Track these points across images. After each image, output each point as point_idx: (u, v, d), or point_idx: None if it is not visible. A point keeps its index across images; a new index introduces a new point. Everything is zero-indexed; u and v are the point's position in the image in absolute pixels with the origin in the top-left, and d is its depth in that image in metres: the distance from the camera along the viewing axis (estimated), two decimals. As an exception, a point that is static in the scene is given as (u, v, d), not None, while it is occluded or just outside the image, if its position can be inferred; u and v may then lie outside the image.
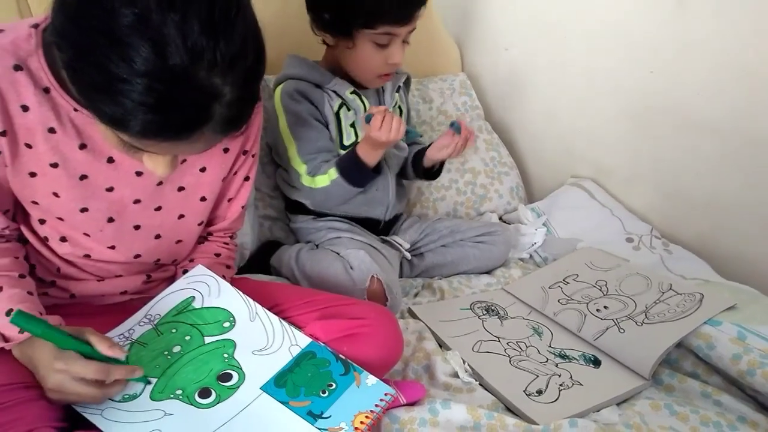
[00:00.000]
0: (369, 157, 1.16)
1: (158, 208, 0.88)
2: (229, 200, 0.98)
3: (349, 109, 1.25)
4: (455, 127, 1.24)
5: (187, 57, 0.57)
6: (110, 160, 0.80)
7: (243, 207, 1.00)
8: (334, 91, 1.23)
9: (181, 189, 0.88)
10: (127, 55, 0.56)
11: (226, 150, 0.90)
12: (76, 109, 0.75)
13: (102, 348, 0.72)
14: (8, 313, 0.73)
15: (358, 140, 1.24)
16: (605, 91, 1.51)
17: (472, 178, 1.59)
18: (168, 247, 0.93)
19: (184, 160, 0.86)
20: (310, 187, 1.21)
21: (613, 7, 1.44)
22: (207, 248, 1.00)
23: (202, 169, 0.89)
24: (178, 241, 0.94)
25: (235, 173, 0.95)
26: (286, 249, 1.28)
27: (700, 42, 1.30)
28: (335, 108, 1.23)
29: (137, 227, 0.87)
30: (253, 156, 0.96)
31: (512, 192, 1.62)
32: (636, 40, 1.41)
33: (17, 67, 0.71)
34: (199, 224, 0.95)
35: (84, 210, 0.82)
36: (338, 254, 1.19)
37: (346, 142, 1.25)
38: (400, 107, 1.36)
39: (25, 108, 0.73)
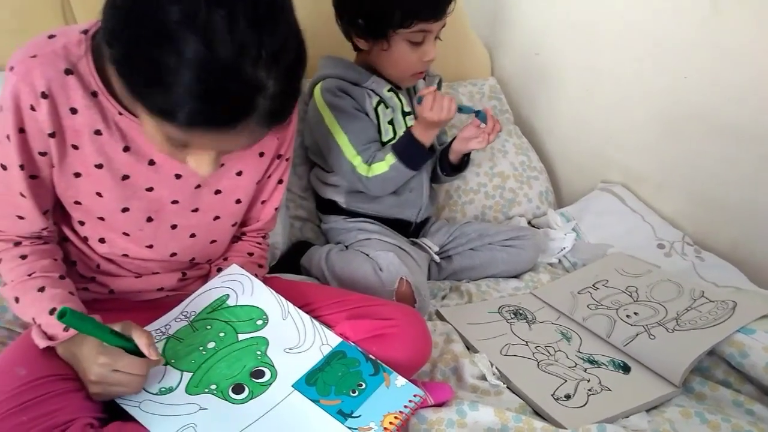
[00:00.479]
0: (424, 137, 1.19)
1: (195, 210, 0.90)
2: (263, 202, 1.00)
3: (387, 107, 1.27)
4: (481, 116, 1.23)
5: (234, 50, 0.60)
6: (151, 162, 0.83)
7: (276, 209, 1.02)
8: (372, 89, 1.26)
9: (218, 192, 0.91)
10: (176, 47, 0.58)
11: (261, 154, 0.92)
12: (121, 113, 0.78)
13: (141, 344, 0.75)
14: (51, 312, 0.76)
15: (395, 136, 1.27)
16: (637, 97, 1.51)
17: (501, 182, 1.59)
18: (203, 247, 0.96)
19: (223, 164, 0.88)
20: (366, 176, 1.22)
21: (645, 12, 1.43)
22: (241, 247, 1.02)
23: (239, 173, 0.91)
24: (213, 241, 0.96)
25: (269, 176, 0.98)
26: (317, 249, 1.30)
27: (736, 48, 1.28)
28: (374, 105, 1.26)
29: (174, 227, 0.90)
30: (287, 160, 0.98)
31: (541, 196, 1.62)
32: (669, 46, 1.40)
33: (68, 71, 0.74)
34: (233, 225, 0.98)
35: (125, 210, 0.85)
36: (368, 255, 1.20)
37: (385, 139, 1.27)
38: None
39: (73, 111, 0.76)
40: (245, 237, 1.04)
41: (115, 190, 0.83)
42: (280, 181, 0.99)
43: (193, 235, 0.93)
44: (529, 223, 1.57)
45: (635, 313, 1.15)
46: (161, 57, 0.59)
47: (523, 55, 1.77)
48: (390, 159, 1.20)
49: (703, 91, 1.37)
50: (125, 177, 0.82)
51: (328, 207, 1.33)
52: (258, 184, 0.96)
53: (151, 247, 0.90)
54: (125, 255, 0.90)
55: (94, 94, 0.76)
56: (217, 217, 0.93)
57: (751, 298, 1.15)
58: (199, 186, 0.88)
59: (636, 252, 1.37)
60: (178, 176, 0.85)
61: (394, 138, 1.28)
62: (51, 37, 0.75)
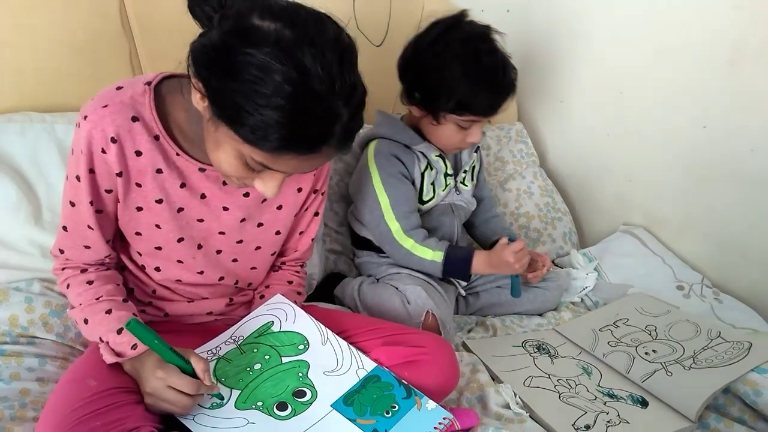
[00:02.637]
0: (479, 268, 1.27)
1: (239, 241, 1.00)
2: (301, 233, 1.09)
3: (432, 169, 1.33)
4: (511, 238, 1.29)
5: (324, 83, 0.70)
6: (203, 196, 0.93)
7: (312, 239, 1.11)
8: (422, 152, 1.31)
9: (260, 225, 1.00)
10: (274, 78, 0.68)
11: (299, 189, 1.02)
12: (178, 154, 0.88)
13: (198, 368, 0.83)
14: (118, 332, 0.85)
15: (434, 196, 1.35)
16: (658, 143, 1.58)
17: (526, 222, 1.67)
18: (244, 271, 1.05)
19: (264, 200, 0.98)
20: (401, 244, 1.28)
21: (666, 64, 1.51)
22: (281, 276, 1.11)
23: (279, 207, 1.01)
24: (253, 268, 1.05)
25: (306, 209, 1.07)
26: (350, 281, 1.38)
27: (753, 100, 1.35)
28: (422, 169, 1.31)
29: (219, 252, 0.99)
30: (322, 194, 1.07)
31: (565, 237, 1.68)
32: (689, 96, 1.48)
33: (134, 119, 0.85)
34: (272, 254, 1.07)
35: (180, 240, 0.94)
36: (397, 289, 1.27)
37: (425, 198, 1.34)
38: (474, 166, 1.44)
39: (138, 153, 0.86)
40: (285, 266, 1.13)
41: (171, 221, 0.92)
42: (316, 214, 1.08)
43: (235, 260, 1.02)
44: (552, 262, 1.63)
45: (654, 351, 1.21)
46: (259, 86, 0.69)
47: (549, 101, 1.86)
48: (436, 256, 1.26)
49: (722, 140, 1.44)
50: (180, 209, 0.92)
51: (363, 243, 1.40)
52: (296, 217, 1.05)
53: (202, 273, 1.00)
54: (178, 281, 0.99)
55: (156, 138, 0.87)
56: (258, 247, 1.03)
57: (766, 339, 1.20)
58: (243, 220, 0.98)
59: (656, 293, 1.42)
60: (225, 209, 0.95)
61: (433, 197, 1.35)
62: (119, 88, 0.86)
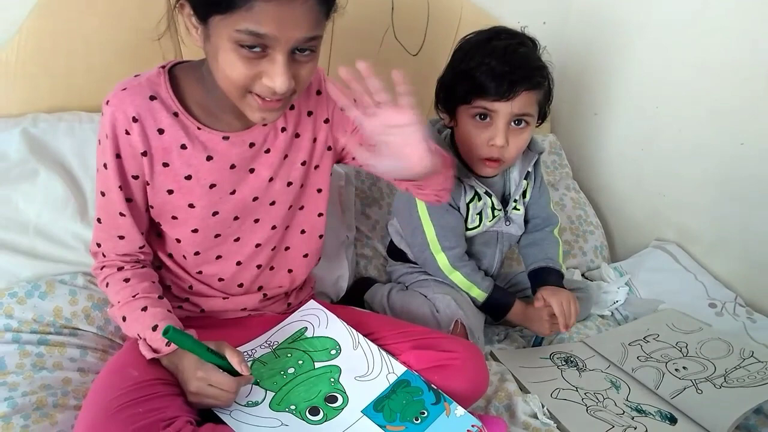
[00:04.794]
0: (515, 319, 1.29)
1: (272, 203, 1.01)
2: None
3: (479, 200, 1.28)
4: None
5: None
6: (232, 166, 0.95)
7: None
8: (471, 186, 1.27)
9: (289, 184, 1.01)
10: None
11: (314, 140, 1.02)
12: (199, 128, 0.92)
13: (234, 362, 0.86)
14: (153, 329, 0.88)
15: (480, 225, 1.30)
16: (693, 159, 1.57)
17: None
18: (282, 237, 1.05)
19: (286, 156, 0.99)
20: (446, 275, 1.28)
21: (705, 79, 1.50)
22: None
23: (303, 163, 1.01)
24: (303, 232, 1.06)
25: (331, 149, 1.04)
26: (379, 287, 1.39)
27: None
28: (468, 200, 1.27)
29: (257, 220, 1.01)
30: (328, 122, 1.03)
31: (596, 251, 1.68)
32: (726, 113, 1.47)
33: (152, 98, 0.89)
34: (319, 215, 1.07)
35: (215, 213, 0.97)
36: (426, 297, 1.27)
37: (470, 226, 1.30)
38: (525, 191, 1.35)
39: (161, 131, 0.90)
40: None
41: (204, 197, 0.95)
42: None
43: (274, 227, 1.03)
44: (583, 275, 1.63)
45: (684, 368, 1.20)
46: None
47: (583, 114, 1.86)
48: (480, 296, 1.28)
49: (760, 158, 1.42)
50: (212, 185, 0.95)
51: (397, 254, 1.40)
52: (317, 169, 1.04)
53: (238, 240, 1.01)
54: (219, 257, 1.01)
55: (176, 114, 0.90)
56: (302, 207, 1.04)
57: (801, 360, 1.18)
58: (271, 179, 0.99)
59: (687, 309, 1.41)
60: (251, 170, 0.97)
61: (479, 226, 1.30)
62: (136, 75, 0.91)
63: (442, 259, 1.27)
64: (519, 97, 1.13)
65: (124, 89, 0.89)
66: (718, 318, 1.39)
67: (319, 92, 1.01)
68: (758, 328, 1.35)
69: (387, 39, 1.61)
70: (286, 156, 1.00)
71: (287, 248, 1.07)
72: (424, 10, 1.62)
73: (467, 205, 1.28)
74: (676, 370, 1.20)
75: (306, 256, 1.10)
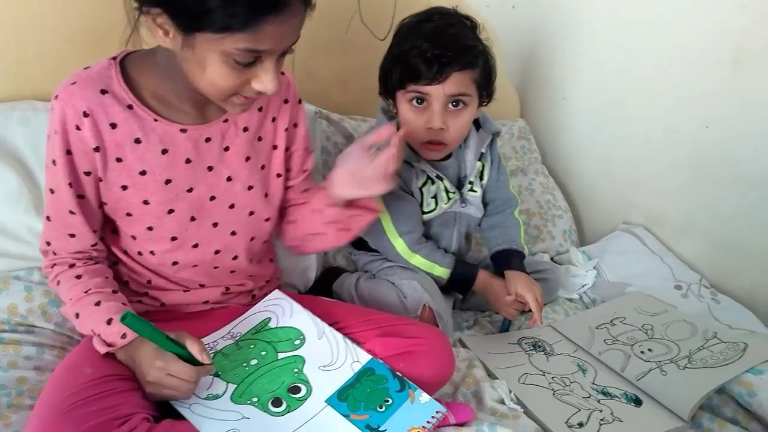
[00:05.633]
0: (479, 288, 1.28)
1: (232, 206, 0.99)
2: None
3: (432, 183, 1.28)
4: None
5: None
6: (188, 161, 0.93)
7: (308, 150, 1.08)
8: (422, 170, 1.27)
9: (250, 188, 1.00)
10: None
11: (275, 147, 1.02)
12: (156, 120, 0.89)
13: (194, 350, 0.84)
14: (108, 322, 0.86)
15: (436, 208, 1.30)
16: (660, 143, 1.58)
17: (526, 219, 1.66)
18: (241, 243, 1.02)
19: (248, 158, 0.98)
20: (407, 260, 1.27)
21: (670, 64, 1.51)
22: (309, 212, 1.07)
23: (262, 167, 1.01)
24: (252, 239, 1.04)
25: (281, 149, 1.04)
26: (347, 276, 1.38)
27: (757, 101, 1.35)
28: (420, 184, 1.28)
29: (215, 224, 0.99)
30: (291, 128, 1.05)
31: (565, 234, 1.69)
32: (693, 96, 1.48)
33: (103, 91, 0.86)
34: (266, 220, 1.04)
35: (171, 211, 0.94)
36: (393, 284, 1.26)
37: (426, 210, 1.29)
38: (482, 172, 1.36)
39: (113, 125, 0.87)
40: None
41: (159, 193, 0.92)
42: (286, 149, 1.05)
43: (233, 233, 1.01)
44: (552, 259, 1.63)
45: (649, 350, 1.21)
46: None
47: (552, 99, 1.86)
48: (443, 272, 1.27)
49: (725, 141, 1.43)
50: (168, 181, 0.92)
51: (359, 244, 1.39)
52: (279, 178, 1.04)
53: (197, 246, 0.98)
54: (175, 263, 0.99)
55: (130, 107, 0.88)
56: (251, 212, 1.02)
57: (763, 340, 1.20)
58: (230, 179, 0.97)
59: (654, 292, 1.42)
60: (210, 168, 0.95)
61: (435, 209, 1.30)
62: (86, 68, 0.88)
63: (400, 245, 1.27)
64: (451, 78, 1.13)
65: (74, 83, 0.86)
66: (683, 300, 1.41)
67: (286, 101, 1.02)
68: (722, 308, 1.36)
69: (354, 23, 1.59)
70: (248, 158, 0.98)
71: (250, 260, 1.06)
72: (392, -7, 1.60)
73: (420, 189, 1.28)
74: (642, 352, 1.21)
75: (252, 260, 1.08)
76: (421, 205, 1.30)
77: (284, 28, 0.78)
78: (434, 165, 1.28)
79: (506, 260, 1.31)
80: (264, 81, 0.82)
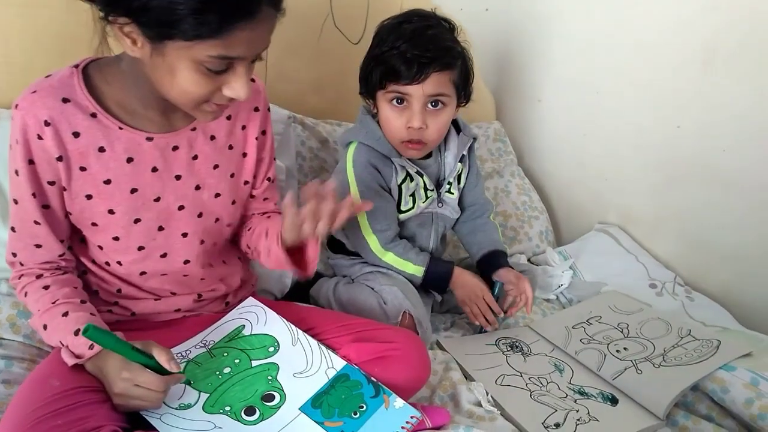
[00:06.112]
0: (455, 287, 1.28)
1: (200, 215, 0.98)
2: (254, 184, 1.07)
3: (411, 180, 1.28)
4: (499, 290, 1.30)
5: None
6: (154, 169, 0.92)
7: (270, 179, 1.08)
8: (402, 166, 1.27)
9: (218, 195, 0.99)
10: None
11: (244, 155, 1.02)
12: (121, 128, 0.88)
13: (161, 360, 0.82)
14: (76, 333, 0.84)
15: (414, 207, 1.30)
16: (634, 144, 1.59)
17: (503, 221, 1.67)
18: (207, 251, 1.02)
19: (216, 166, 0.97)
20: (379, 258, 1.27)
21: (642, 66, 1.53)
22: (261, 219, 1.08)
23: (232, 175, 1.01)
24: (214, 243, 1.03)
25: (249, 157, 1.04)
26: (325, 281, 1.37)
27: (725, 101, 1.37)
28: (399, 180, 1.27)
29: (185, 234, 0.97)
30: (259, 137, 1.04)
31: (541, 235, 1.69)
32: (663, 96, 1.50)
33: (65, 100, 0.85)
34: (228, 225, 1.04)
35: (137, 221, 0.93)
36: (373, 289, 1.26)
37: (403, 208, 1.30)
38: (459, 175, 1.37)
39: (76, 134, 0.85)
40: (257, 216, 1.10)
41: (125, 203, 0.91)
42: (260, 159, 1.05)
43: (202, 241, 1.00)
44: (529, 260, 1.64)
45: (625, 349, 1.22)
46: None
47: (527, 101, 1.87)
48: (417, 270, 1.27)
49: (695, 140, 1.45)
50: (133, 190, 0.91)
51: (336, 246, 1.39)
52: (247, 185, 1.05)
53: (165, 255, 0.97)
54: (143, 273, 0.97)
55: (94, 115, 0.86)
56: (217, 219, 1.01)
57: (735, 337, 1.22)
58: (198, 187, 0.96)
59: (629, 291, 1.44)
60: (178, 177, 0.94)
61: (412, 208, 1.30)
62: (47, 76, 0.87)
63: (373, 242, 1.27)
64: (430, 78, 1.15)
65: (34, 92, 0.84)
66: (658, 298, 1.42)
67: (257, 109, 1.02)
68: (696, 306, 1.38)
69: (327, 28, 1.58)
70: (216, 166, 0.97)
71: (223, 262, 1.05)
72: (364, -3, 1.60)
73: (399, 186, 1.28)
74: (617, 351, 1.21)
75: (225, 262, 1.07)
76: (399, 203, 1.30)
77: (255, 33, 0.78)
78: (414, 162, 1.29)
79: (495, 261, 1.34)
80: (235, 87, 0.82)
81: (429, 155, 1.32)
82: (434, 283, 1.30)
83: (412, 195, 1.30)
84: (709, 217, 1.45)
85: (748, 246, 1.39)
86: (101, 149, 0.87)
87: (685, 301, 1.40)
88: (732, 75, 1.35)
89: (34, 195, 0.87)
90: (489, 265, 1.34)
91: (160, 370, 0.83)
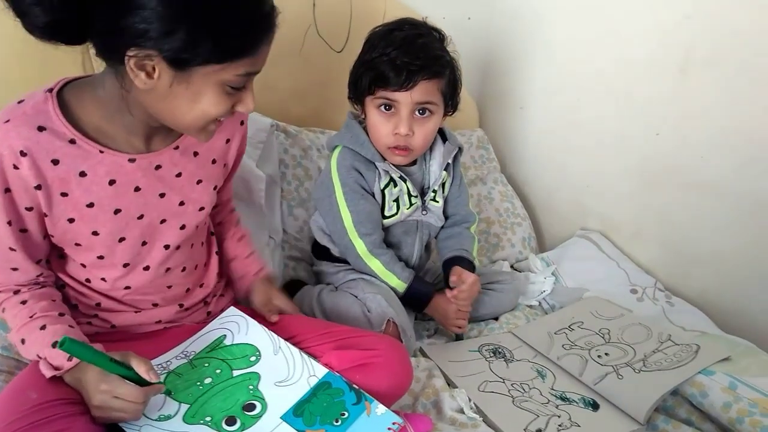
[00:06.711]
0: (430, 310, 1.31)
1: (182, 227, 0.98)
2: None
3: (395, 186, 1.29)
4: None
5: None
6: (137, 189, 0.91)
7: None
8: (385, 170, 1.27)
9: (201, 209, 1.00)
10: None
11: (223, 165, 1.04)
12: (102, 151, 0.86)
13: (140, 370, 0.82)
14: (53, 345, 0.83)
15: (398, 213, 1.31)
16: (614, 151, 1.61)
17: (486, 227, 1.68)
18: (184, 255, 1.01)
19: (200, 181, 0.98)
20: (366, 263, 1.28)
21: (622, 72, 1.54)
22: (231, 240, 1.15)
23: (215, 187, 1.02)
24: (192, 245, 1.03)
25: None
26: (309, 289, 1.37)
27: (703, 109, 1.39)
28: (382, 185, 1.28)
29: (167, 246, 0.97)
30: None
31: (524, 242, 1.71)
32: (643, 104, 1.51)
33: (41, 128, 0.82)
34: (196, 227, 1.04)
35: (122, 239, 0.92)
36: (356, 297, 1.26)
37: (387, 214, 1.31)
38: (443, 184, 1.38)
39: (55, 161, 0.83)
40: (226, 225, 1.16)
41: (109, 224, 0.90)
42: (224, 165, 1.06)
43: (178, 247, 0.99)
44: (512, 267, 1.65)
45: (606, 354, 1.23)
46: (221, 12, 0.74)
47: (509, 108, 1.89)
48: (399, 286, 1.28)
49: (674, 147, 1.47)
50: (117, 211, 0.90)
51: (322, 252, 1.39)
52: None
53: (147, 268, 0.97)
54: (128, 288, 0.97)
55: (72, 141, 0.84)
56: (197, 226, 1.01)
57: (714, 341, 1.23)
58: (183, 203, 0.96)
59: (610, 296, 1.45)
60: (162, 195, 0.94)
61: (396, 214, 1.31)
62: (20, 102, 0.83)
63: (360, 246, 1.28)
64: (419, 86, 1.17)
65: (8, 121, 0.81)
66: (639, 303, 1.43)
67: (242, 122, 1.04)
68: (676, 311, 1.39)
69: (310, 36, 1.59)
70: (200, 181, 0.98)
71: (195, 266, 1.05)
72: (347, 6, 1.61)
73: (382, 191, 1.29)
74: (599, 356, 1.22)
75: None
76: (383, 208, 1.31)
77: (270, 45, 0.81)
78: (398, 167, 1.30)
79: (456, 262, 1.34)
80: (247, 102, 0.85)
81: (414, 162, 1.33)
82: (413, 301, 1.31)
83: (396, 201, 1.31)
84: (688, 222, 1.47)
85: (726, 251, 1.41)
86: (82, 174, 0.86)
87: (665, 306, 1.41)
88: (709, 83, 1.37)
89: (9, 223, 0.85)
90: (450, 265, 1.35)
91: (139, 381, 0.82)
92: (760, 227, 1.34)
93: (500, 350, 1.28)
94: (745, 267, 1.39)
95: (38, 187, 0.84)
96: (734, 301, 1.41)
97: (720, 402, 1.05)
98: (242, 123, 1.04)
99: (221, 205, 1.15)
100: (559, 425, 1.05)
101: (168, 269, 0.99)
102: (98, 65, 1.27)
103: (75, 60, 1.25)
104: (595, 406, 1.11)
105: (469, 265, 1.34)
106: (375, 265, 1.29)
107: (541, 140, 1.82)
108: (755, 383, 1.06)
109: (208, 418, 0.86)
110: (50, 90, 0.85)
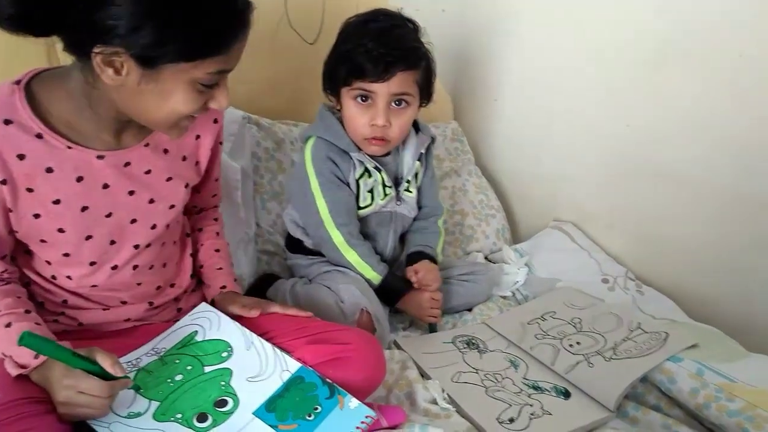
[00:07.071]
0: (403, 304, 1.32)
1: (153, 227, 0.97)
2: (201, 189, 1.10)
3: (369, 176, 1.30)
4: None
5: None
6: (105, 186, 0.90)
7: (217, 179, 1.12)
8: (360, 161, 1.28)
9: (172, 207, 0.99)
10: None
11: (197, 163, 1.03)
12: (70, 147, 0.85)
13: (105, 365, 0.80)
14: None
15: (372, 203, 1.32)
16: (586, 142, 1.62)
17: (460, 219, 1.69)
18: (153, 252, 1.00)
19: (170, 178, 0.97)
20: (341, 253, 1.28)
21: (594, 64, 1.56)
22: (206, 250, 1.12)
23: (186, 185, 1.01)
24: (163, 244, 1.02)
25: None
26: (283, 282, 1.37)
27: (673, 101, 1.41)
28: (357, 175, 1.29)
29: (137, 246, 0.96)
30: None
31: (498, 233, 1.72)
32: (614, 96, 1.53)
33: (7, 122, 0.81)
34: (166, 227, 1.03)
35: (89, 237, 0.91)
36: (330, 288, 1.27)
37: (362, 204, 1.31)
38: (417, 174, 1.39)
39: (21, 156, 0.82)
40: (205, 234, 1.14)
41: (76, 222, 0.88)
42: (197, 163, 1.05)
43: (148, 245, 0.98)
44: (486, 258, 1.66)
45: (578, 343, 1.24)
46: (190, 9, 0.73)
47: (483, 100, 1.89)
48: (374, 278, 1.29)
49: (644, 138, 1.49)
50: (84, 208, 0.89)
51: (295, 246, 1.39)
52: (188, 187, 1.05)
53: (116, 267, 0.95)
54: (94, 286, 0.95)
55: (39, 136, 0.83)
56: (168, 225, 1.00)
57: (683, 329, 1.25)
58: (152, 201, 0.95)
59: (582, 286, 1.47)
60: (131, 192, 0.92)
61: (371, 204, 1.32)
62: None
63: (337, 237, 1.28)
64: (396, 77, 1.18)
65: None
66: (610, 293, 1.46)
67: (216, 120, 1.02)
68: (646, 300, 1.42)
69: (282, 27, 1.57)
70: (170, 178, 0.97)
71: (164, 264, 1.03)
72: (319, -4, 1.60)
73: (357, 181, 1.29)
74: (570, 345, 1.24)
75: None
76: (358, 199, 1.31)
77: (244, 42, 0.80)
78: (373, 158, 1.30)
79: (419, 257, 1.35)
80: (220, 99, 0.84)
81: (388, 153, 1.33)
82: (387, 294, 1.31)
83: (371, 191, 1.31)
84: (658, 212, 1.49)
85: (695, 240, 1.44)
86: (49, 170, 0.84)
87: (635, 296, 1.44)
88: (678, 76, 1.39)
89: None
90: (412, 261, 1.36)
91: (105, 376, 0.81)
92: (728, 218, 1.37)
93: (474, 341, 1.29)
94: (713, 257, 1.42)
95: (3, 182, 0.82)
96: (702, 289, 1.44)
97: (687, 388, 1.07)
98: (216, 121, 1.02)
99: (204, 210, 1.14)
100: (532, 414, 1.07)
101: (136, 266, 0.98)
102: (64, 58, 1.27)
103: (39, 52, 1.22)
104: (566, 395, 1.13)
105: (430, 259, 1.36)
106: (351, 256, 1.28)
107: (514, 131, 1.83)
108: (721, 369, 1.08)
109: (179, 415, 0.86)
110: (18, 82, 0.83)
